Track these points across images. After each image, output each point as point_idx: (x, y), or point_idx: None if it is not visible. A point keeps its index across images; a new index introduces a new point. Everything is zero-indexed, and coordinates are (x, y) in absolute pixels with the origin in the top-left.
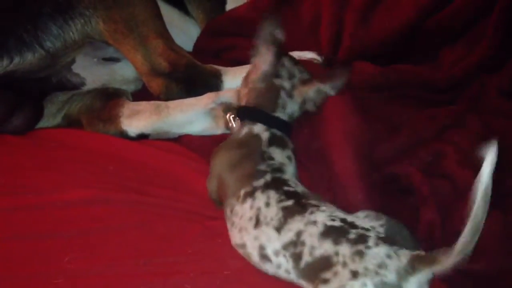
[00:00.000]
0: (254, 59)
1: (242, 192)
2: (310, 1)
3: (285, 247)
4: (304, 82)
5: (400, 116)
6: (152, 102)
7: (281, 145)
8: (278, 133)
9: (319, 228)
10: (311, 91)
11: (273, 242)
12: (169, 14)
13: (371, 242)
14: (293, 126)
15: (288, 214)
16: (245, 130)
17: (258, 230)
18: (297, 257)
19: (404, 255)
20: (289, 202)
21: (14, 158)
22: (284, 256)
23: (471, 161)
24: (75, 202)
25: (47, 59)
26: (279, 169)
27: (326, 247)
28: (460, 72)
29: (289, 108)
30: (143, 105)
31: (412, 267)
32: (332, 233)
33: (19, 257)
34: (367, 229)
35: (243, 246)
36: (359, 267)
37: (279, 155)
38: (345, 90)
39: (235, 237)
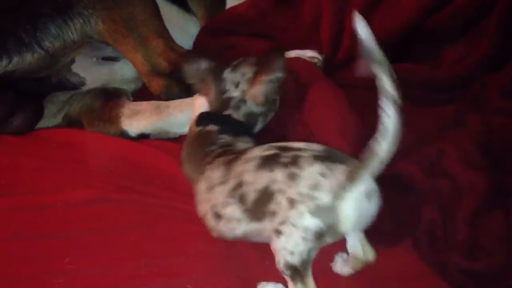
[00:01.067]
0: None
1: (198, 176)
2: (310, 1)
3: (231, 194)
4: (251, 82)
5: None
6: (152, 102)
7: (235, 135)
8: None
9: (256, 161)
10: (262, 87)
11: (221, 195)
12: (168, 12)
13: (303, 162)
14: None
15: (229, 165)
16: (199, 128)
17: (210, 193)
18: (242, 199)
19: (341, 171)
20: (231, 157)
21: (14, 158)
22: (232, 205)
23: (472, 160)
24: (76, 202)
25: (46, 59)
26: (229, 144)
27: (264, 178)
28: (461, 71)
29: (243, 110)
30: (144, 105)
31: (349, 180)
32: (267, 162)
33: (19, 257)
34: (301, 149)
35: (205, 216)
36: (293, 193)
37: (230, 139)
38: (342, 89)
39: (199, 212)
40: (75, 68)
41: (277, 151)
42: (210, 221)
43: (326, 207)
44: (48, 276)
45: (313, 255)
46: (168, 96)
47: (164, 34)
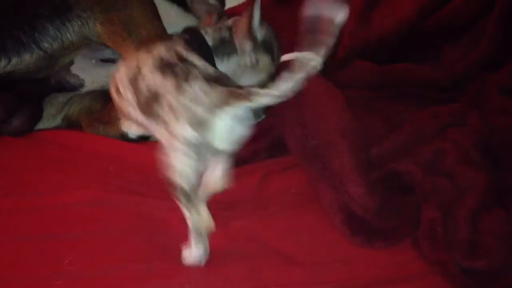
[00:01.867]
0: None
1: None
2: None
3: (130, 81)
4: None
5: (400, 114)
6: None
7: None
8: None
9: (156, 61)
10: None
11: (124, 78)
12: (167, 11)
13: (192, 78)
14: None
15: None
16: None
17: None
18: (137, 91)
19: (221, 92)
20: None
21: (14, 159)
22: (130, 92)
23: (472, 159)
24: (76, 203)
25: (45, 60)
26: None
27: (157, 80)
28: (461, 70)
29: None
30: None
31: (225, 102)
32: (164, 67)
33: (19, 258)
34: (196, 67)
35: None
36: (174, 102)
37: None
38: (341, 89)
39: None
40: (74, 69)
41: (176, 61)
42: (116, 97)
43: (199, 117)
44: (47, 278)
45: (198, 179)
46: None
47: (163, 36)
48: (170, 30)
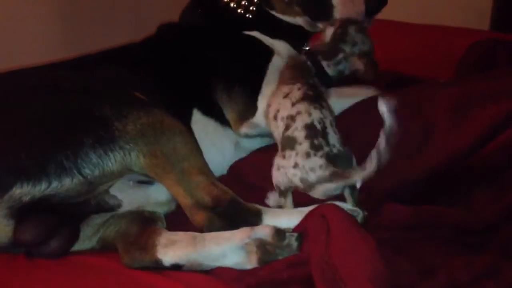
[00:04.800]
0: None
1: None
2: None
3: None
4: (360, 55)
5: (432, 257)
6: (189, 233)
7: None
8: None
9: (307, 121)
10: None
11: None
12: (205, 127)
13: (319, 154)
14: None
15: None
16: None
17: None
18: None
19: (329, 170)
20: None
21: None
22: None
23: None
24: None
25: (84, 186)
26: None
27: (299, 135)
28: (492, 216)
29: (340, 66)
30: (180, 235)
31: (329, 180)
32: (309, 130)
33: None
34: (328, 144)
35: None
36: (300, 162)
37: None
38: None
39: None
40: (113, 190)
41: (319, 130)
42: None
43: (308, 184)
44: None
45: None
46: (210, 229)
47: (205, 169)
48: (204, 147)
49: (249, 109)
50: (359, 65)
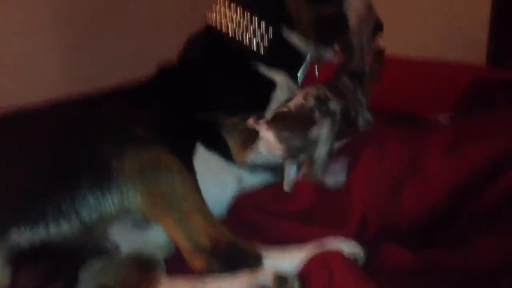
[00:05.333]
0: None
1: None
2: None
3: None
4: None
5: None
6: (189, 279)
7: None
8: None
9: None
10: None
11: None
12: (207, 161)
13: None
14: None
15: None
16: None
17: None
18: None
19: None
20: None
21: None
22: None
23: None
24: None
25: (82, 229)
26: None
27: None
28: (497, 263)
29: None
30: (180, 283)
31: None
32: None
33: None
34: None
35: None
36: None
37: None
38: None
39: None
40: (111, 233)
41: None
42: None
43: None
44: None
45: None
46: (209, 272)
47: (203, 209)
48: (206, 183)
49: (252, 136)
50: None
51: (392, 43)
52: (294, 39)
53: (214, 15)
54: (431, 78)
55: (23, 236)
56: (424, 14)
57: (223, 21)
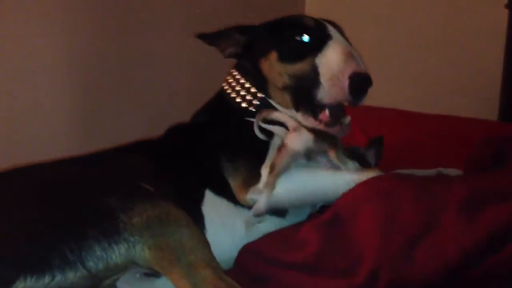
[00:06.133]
0: None
1: None
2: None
3: None
4: None
5: None
6: None
7: None
8: None
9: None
10: None
11: None
12: (216, 206)
13: None
14: None
15: None
16: None
17: None
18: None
19: None
20: None
21: None
22: None
23: None
24: None
25: (88, 279)
26: None
27: None
28: None
29: None
30: None
31: None
32: None
33: None
34: None
35: None
36: None
37: None
38: None
39: None
40: (119, 284)
41: None
42: None
43: None
44: None
45: None
46: None
47: (212, 263)
48: (214, 228)
49: (254, 176)
50: None
51: (406, 98)
52: (273, 103)
53: (225, 81)
54: (442, 132)
55: (28, 286)
56: (438, 71)
57: (232, 85)
